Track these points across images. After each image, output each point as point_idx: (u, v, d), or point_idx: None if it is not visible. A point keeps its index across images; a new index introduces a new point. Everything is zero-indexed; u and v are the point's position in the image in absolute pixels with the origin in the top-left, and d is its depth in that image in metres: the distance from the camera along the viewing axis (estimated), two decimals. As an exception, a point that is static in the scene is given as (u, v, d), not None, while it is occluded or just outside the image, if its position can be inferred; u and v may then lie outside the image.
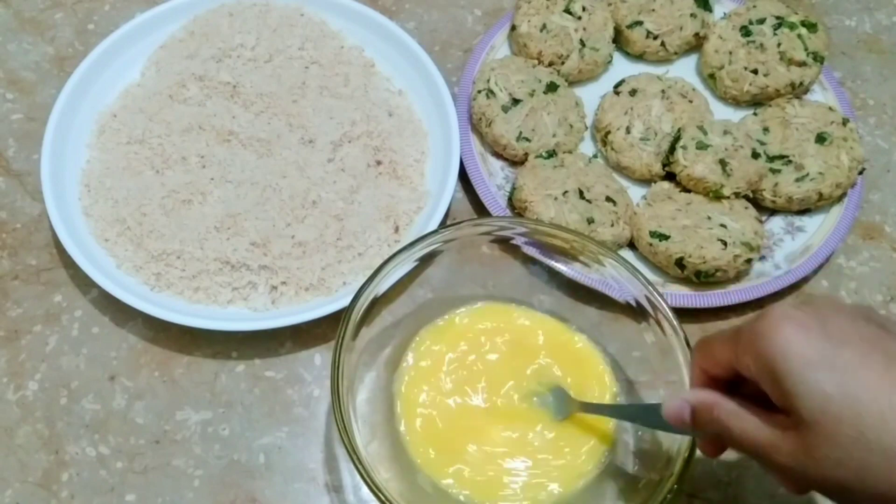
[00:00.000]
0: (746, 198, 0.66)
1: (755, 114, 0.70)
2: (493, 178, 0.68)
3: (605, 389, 0.56)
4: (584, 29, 0.72)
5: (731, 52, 0.71)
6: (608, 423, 0.54)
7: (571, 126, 0.69)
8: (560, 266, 0.58)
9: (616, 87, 0.71)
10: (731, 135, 0.66)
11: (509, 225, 0.58)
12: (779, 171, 0.66)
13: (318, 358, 0.63)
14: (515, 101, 0.68)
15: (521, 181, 0.65)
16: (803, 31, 0.71)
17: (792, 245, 0.66)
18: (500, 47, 0.75)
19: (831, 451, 0.37)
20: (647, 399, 0.55)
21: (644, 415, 0.51)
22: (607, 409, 0.55)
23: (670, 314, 0.53)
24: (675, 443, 0.50)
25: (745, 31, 0.72)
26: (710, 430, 0.43)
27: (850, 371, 0.36)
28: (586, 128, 0.71)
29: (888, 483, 0.36)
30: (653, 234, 0.63)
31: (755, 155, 0.66)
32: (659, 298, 0.53)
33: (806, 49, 0.70)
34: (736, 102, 0.73)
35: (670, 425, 0.44)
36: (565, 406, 0.54)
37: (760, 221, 0.65)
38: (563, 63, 0.72)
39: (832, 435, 0.36)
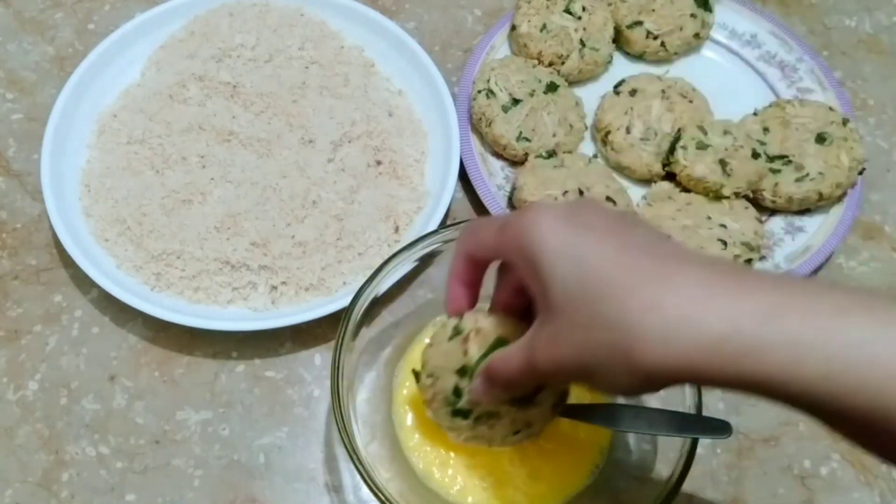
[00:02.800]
0: (746, 198, 0.66)
1: (755, 114, 0.70)
2: (493, 178, 0.68)
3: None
4: (584, 29, 0.72)
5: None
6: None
7: (571, 126, 0.69)
8: (560, 266, 0.58)
9: (616, 87, 0.71)
10: (731, 135, 0.66)
11: (509, 225, 0.58)
12: (779, 171, 0.66)
13: (318, 358, 0.63)
14: (515, 101, 0.68)
15: (521, 181, 0.65)
16: None
17: (792, 245, 0.66)
18: (500, 47, 0.75)
19: (572, 334, 0.36)
20: (646, 400, 0.55)
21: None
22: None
23: (670, 314, 0.52)
24: (676, 443, 0.50)
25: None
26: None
27: (586, 255, 0.36)
28: (586, 128, 0.71)
29: (625, 359, 0.35)
30: (653, 234, 0.63)
31: (755, 155, 0.66)
32: (659, 298, 0.53)
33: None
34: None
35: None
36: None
37: (760, 221, 0.65)
38: (563, 63, 0.72)
39: (571, 317, 0.36)
